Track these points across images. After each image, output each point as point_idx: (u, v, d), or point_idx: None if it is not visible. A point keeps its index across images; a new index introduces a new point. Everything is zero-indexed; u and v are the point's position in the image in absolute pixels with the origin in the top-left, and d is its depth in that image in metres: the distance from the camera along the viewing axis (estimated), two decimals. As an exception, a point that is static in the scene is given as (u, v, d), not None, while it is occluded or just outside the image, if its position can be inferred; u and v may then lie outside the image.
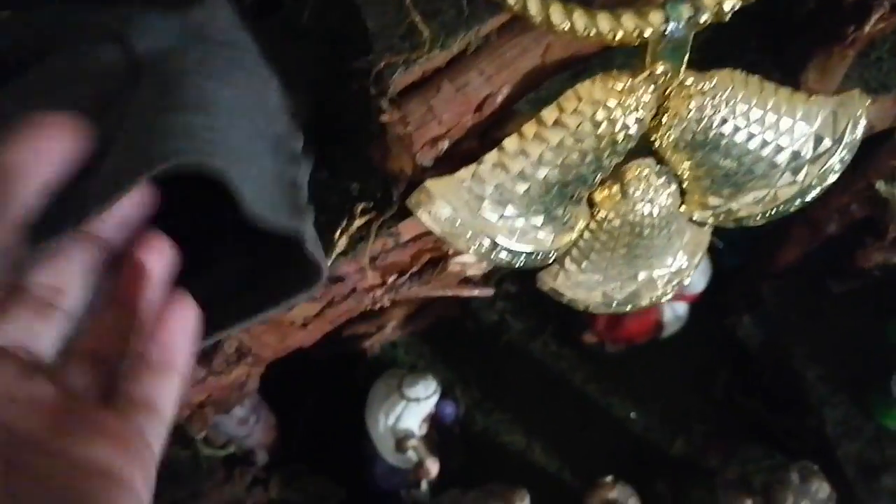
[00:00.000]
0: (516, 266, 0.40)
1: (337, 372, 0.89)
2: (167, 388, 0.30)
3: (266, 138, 0.36)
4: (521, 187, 0.37)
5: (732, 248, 0.86)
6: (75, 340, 0.30)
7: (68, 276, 0.30)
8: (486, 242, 0.38)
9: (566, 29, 0.31)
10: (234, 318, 0.39)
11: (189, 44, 0.36)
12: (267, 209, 0.33)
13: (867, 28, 0.44)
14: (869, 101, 0.42)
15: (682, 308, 0.96)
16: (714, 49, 0.43)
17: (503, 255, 0.39)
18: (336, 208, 0.44)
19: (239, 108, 0.35)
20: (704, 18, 0.31)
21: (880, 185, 0.64)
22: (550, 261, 0.42)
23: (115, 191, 0.29)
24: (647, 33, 0.31)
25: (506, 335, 1.01)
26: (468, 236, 0.38)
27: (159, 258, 0.32)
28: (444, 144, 0.38)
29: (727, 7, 0.31)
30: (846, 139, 0.40)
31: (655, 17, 0.31)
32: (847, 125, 0.40)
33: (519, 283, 1.00)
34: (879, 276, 0.85)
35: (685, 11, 0.31)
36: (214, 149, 0.32)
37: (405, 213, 0.43)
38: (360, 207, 0.43)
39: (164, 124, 0.31)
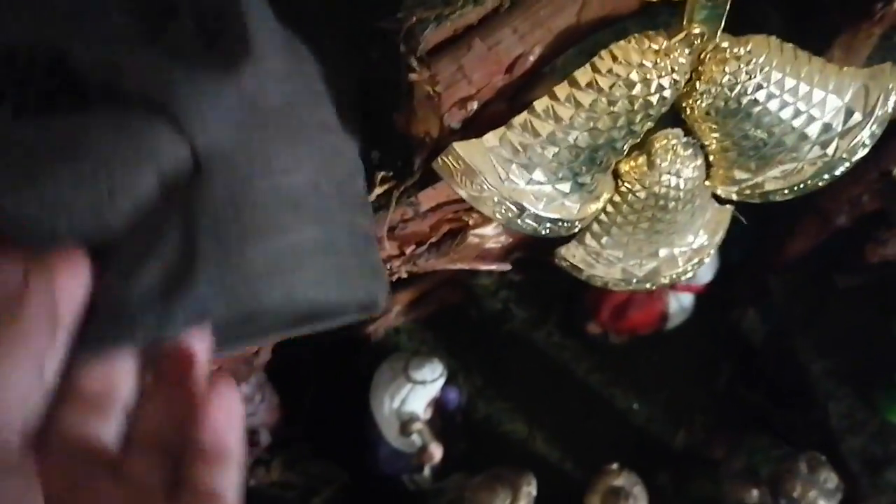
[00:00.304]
0: (541, 234, 0.39)
1: (340, 356, 0.89)
2: (228, 476, 0.30)
3: (335, 198, 0.35)
4: (550, 151, 0.37)
5: (738, 241, 0.86)
6: (134, 430, 0.30)
7: (120, 375, 0.30)
8: (513, 208, 0.37)
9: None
10: (275, 329, 0.37)
11: (249, 129, 0.33)
12: (354, 294, 0.35)
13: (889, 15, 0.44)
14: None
15: (687, 299, 0.95)
16: (737, 25, 0.42)
17: (529, 221, 0.38)
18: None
19: (308, 193, 0.34)
20: None
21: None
22: (575, 231, 0.41)
23: (192, 323, 0.30)
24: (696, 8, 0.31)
25: (509, 324, 1.00)
26: (495, 201, 0.37)
27: (202, 340, 0.31)
28: (474, 106, 0.37)
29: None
30: (877, 112, 0.40)
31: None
32: (878, 99, 0.39)
33: (523, 271, 1.00)
34: (885, 271, 0.85)
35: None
36: (301, 276, 0.32)
37: (426, 182, 0.42)
38: (380, 176, 0.43)
39: (246, 259, 0.31)
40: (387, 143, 0.43)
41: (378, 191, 0.43)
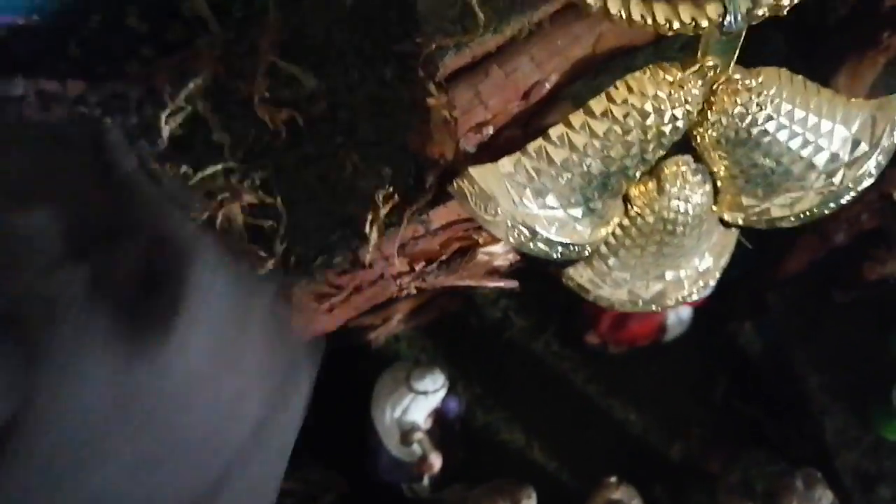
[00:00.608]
0: (553, 257, 0.40)
1: (340, 363, 0.89)
2: None
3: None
4: (564, 177, 0.37)
5: (737, 257, 0.87)
6: None
7: None
8: (526, 232, 0.38)
9: (622, 17, 0.31)
10: None
11: (105, 420, 0.27)
12: None
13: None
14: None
15: (686, 312, 0.96)
16: (744, 51, 0.43)
17: (541, 245, 0.39)
18: (367, 195, 0.44)
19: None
20: (762, 12, 0.31)
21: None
22: (585, 254, 0.41)
23: None
24: (704, 25, 0.31)
25: (508, 332, 1.01)
26: (508, 225, 0.38)
27: None
28: (489, 131, 0.38)
29: (785, 1, 0.31)
30: (883, 143, 0.40)
31: (713, 8, 0.31)
32: (885, 130, 0.40)
33: (523, 281, 1.00)
34: (883, 287, 0.86)
35: (744, 4, 0.31)
36: None
37: (437, 200, 0.43)
38: (383, 195, 0.43)
39: None
40: (399, 161, 0.44)
41: (384, 210, 0.43)
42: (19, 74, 0.49)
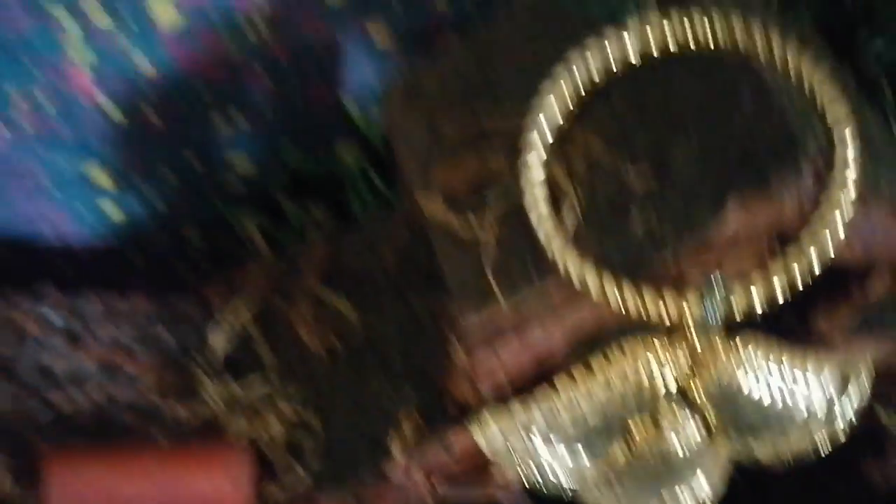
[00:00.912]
0: (563, 495, 0.45)
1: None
2: None
3: None
4: (568, 423, 0.43)
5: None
6: None
7: None
8: (534, 471, 0.43)
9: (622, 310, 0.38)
10: None
11: None
12: None
13: (869, 294, 0.50)
14: (869, 362, 0.47)
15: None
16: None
17: (550, 483, 0.44)
18: (389, 414, 0.49)
19: None
20: (738, 318, 0.38)
21: (882, 414, 0.68)
22: (592, 489, 0.46)
23: None
24: (692, 327, 0.38)
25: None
26: (517, 463, 0.43)
27: None
28: (504, 380, 0.43)
29: (758, 310, 0.38)
30: (853, 398, 0.45)
31: (695, 309, 0.38)
32: (854, 386, 0.46)
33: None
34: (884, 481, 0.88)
35: (721, 308, 0.38)
36: None
37: (457, 422, 0.48)
38: (407, 415, 0.48)
39: None
40: (424, 389, 0.49)
41: (407, 429, 0.48)
42: (90, 291, 0.55)
